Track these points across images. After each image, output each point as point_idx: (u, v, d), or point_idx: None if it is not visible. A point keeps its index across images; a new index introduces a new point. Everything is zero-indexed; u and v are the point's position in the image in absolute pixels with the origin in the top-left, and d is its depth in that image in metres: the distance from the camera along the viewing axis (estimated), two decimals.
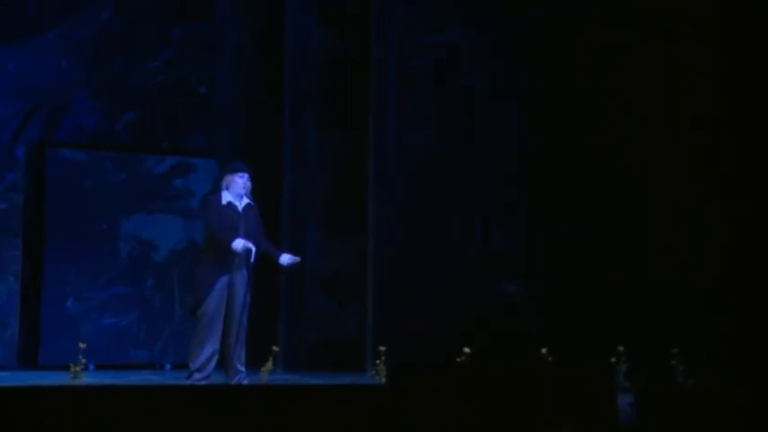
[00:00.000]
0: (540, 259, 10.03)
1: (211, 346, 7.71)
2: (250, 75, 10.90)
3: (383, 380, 8.05)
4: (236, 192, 7.81)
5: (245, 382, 7.75)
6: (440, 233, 9.97)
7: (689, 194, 9.73)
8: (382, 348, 8.63)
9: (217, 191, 7.97)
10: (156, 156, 10.41)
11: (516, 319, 9.88)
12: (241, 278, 7.77)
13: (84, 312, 9.95)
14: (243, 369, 7.83)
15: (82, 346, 8.24)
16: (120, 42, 10.38)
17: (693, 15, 9.82)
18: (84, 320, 9.94)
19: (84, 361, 8.24)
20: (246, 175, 7.87)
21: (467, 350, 8.61)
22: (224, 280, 7.71)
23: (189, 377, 7.72)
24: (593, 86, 9.99)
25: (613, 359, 8.26)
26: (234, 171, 7.90)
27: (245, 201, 7.87)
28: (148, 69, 10.52)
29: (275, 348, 8.93)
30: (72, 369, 8.13)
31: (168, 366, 10.08)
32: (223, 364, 7.86)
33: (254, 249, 7.75)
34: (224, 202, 7.81)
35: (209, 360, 7.71)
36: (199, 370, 7.68)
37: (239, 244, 7.67)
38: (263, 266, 8.05)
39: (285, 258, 8.03)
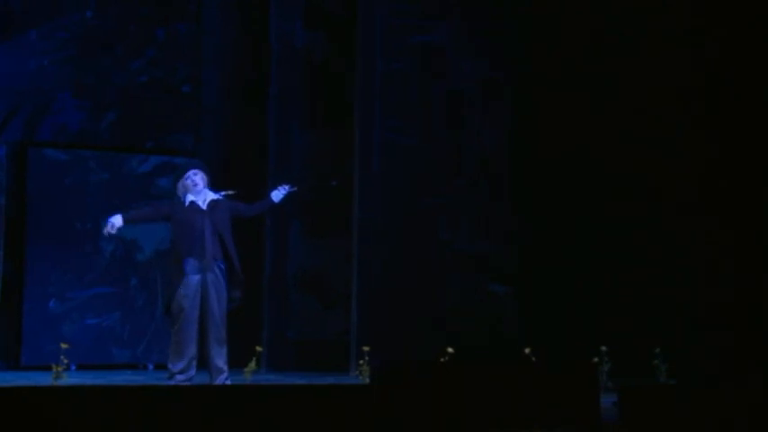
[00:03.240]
0: (528, 260, 10.01)
1: (191, 350, 7.59)
2: (235, 74, 10.87)
3: (366, 380, 8.03)
4: (196, 190, 7.67)
5: (228, 382, 7.68)
6: (425, 234, 9.95)
7: (689, 195, 9.71)
8: (366, 348, 8.61)
9: (179, 197, 7.76)
10: (140, 155, 10.36)
11: (501, 319, 9.87)
12: (213, 278, 7.63)
13: (66, 312, 9.90)
14: (226, 368, 7.71)
15: (64, 346, 8.19)
16: (104, 42, 10.34)
17: (693, 15, 9.80)
18: (67, 321, 9.89)
19: (66, 361, 8.20)
20: (192, 171, 7.71)
21: (450, 350, 8.59)
22: (194, 281, 7.58)
23: (170, 378, 7.64)
24: (593, 86, 9.95)
25: (596, 359, 8.27)
26: (180, 177, 7.74)
27: (210, 197, 7.69)
28: (132, 69, 10.47)
29: (259, 349, 8.89)
30: (54, 369, 8.08)
31: (151, 366, 10.04)
32: (204, 364, 7.79)
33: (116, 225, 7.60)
34: (187, 203, 7.66)
35: (189, 363, 7.59)
36: (181, 372, 7.59)
37: (115, 222, 7.58)
38: (246, 267, 7.95)
39: (277, 194, 7.91)
